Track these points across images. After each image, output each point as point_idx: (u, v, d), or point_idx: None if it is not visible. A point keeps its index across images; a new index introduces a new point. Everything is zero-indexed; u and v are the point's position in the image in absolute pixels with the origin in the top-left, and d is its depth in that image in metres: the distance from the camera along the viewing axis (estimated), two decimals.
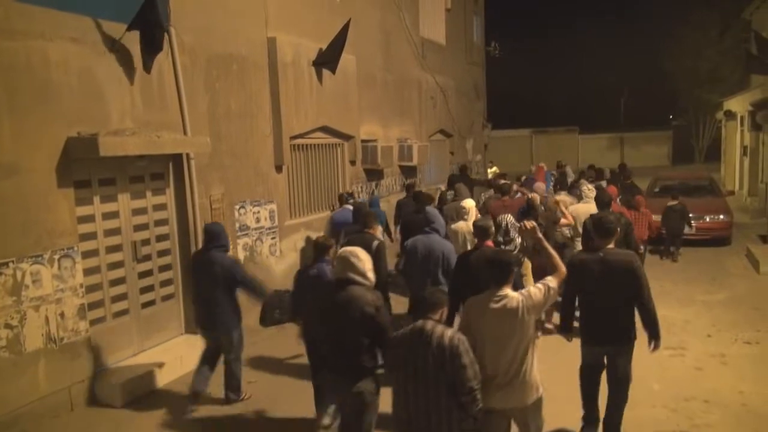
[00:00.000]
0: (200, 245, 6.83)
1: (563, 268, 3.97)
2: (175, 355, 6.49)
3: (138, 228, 6.50)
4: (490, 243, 5.11)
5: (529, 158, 23.67)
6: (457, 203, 7.55)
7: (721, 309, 7.99)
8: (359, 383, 3.75)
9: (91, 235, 5.95)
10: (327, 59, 9.11)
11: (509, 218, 6.12)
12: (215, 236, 5.52)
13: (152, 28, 5.96)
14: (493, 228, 5.31)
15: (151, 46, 6.06)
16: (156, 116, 6.47)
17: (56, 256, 5.44)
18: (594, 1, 46.98)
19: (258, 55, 8.06)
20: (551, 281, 3.79)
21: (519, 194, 9.41)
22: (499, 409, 3.70)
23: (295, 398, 5.58)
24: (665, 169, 22.11)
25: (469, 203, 6.93)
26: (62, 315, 5.50)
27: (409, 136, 12.62)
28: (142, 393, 5.90)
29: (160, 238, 6.81)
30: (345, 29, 8.90)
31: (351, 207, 7.93)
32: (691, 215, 11.80)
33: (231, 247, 7.58)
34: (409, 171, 12.79)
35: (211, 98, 7.25)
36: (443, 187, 11.86)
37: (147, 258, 6.62)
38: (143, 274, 6.58)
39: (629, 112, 35.34)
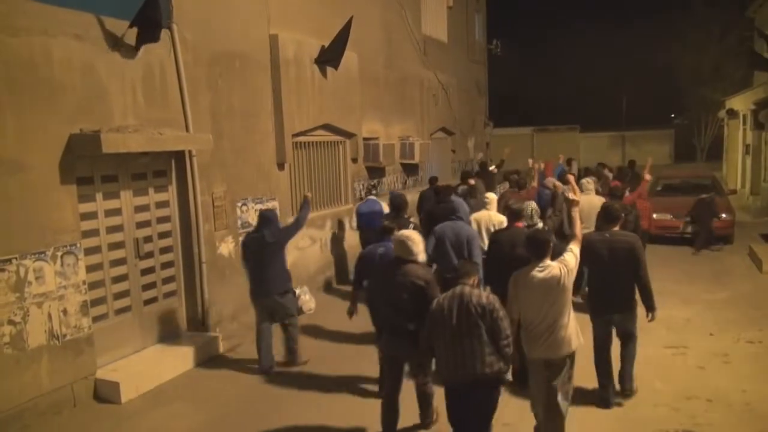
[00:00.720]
0: (203, 243, 6.97)
1: (581, 235, 4.67)
2: (177, 353, 6.50)
3: (140, 225, 6.50)
4: (520, 224, 5.97)
5: (530, 156, 23.69)
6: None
7: (723, 308, 7.98)
8: (413, 343, 4.44)
9: (94, 232, 5.95)
10: (329, 57, 9.10)
11: (533, 205, 6.62)
12: (268, 221, 6.30)
13: (152, 26, 5.94)
14: (526, 212, 6.24)
15: (149, 42, 6.04)
16: (158, 113, 6.47)
17: (59, 253, 5.44)
18: None
19: (260, 52, 8.05)
20: (574, 247, 4.53)
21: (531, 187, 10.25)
22: (543, 359, 4.39)
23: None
24: (667, 168, 22.05)
25: (491, 195, 7.71)
26: (65, 312, 5.51)
27: (411, 134, 12.60)
28: (145, 390, 5.91)
29: (163, 235, 6.81)
30: (347, 27, 8.89)
31: (375, 198, 9.06)
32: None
33: (233, 245, 7.60)
34: (410, 169, 12.78)
35: (213, 95, 7.24)
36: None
37: (149, 255, 6.62)
38: (145, 272, 6.58)
39: (631, 111, 35.30)
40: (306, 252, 9.12)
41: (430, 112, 13.82)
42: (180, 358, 6.43)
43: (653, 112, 35.16)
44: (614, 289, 5.20)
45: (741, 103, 18.47)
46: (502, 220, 7.00)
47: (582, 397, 5.25)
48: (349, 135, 10.25)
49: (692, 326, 7.32)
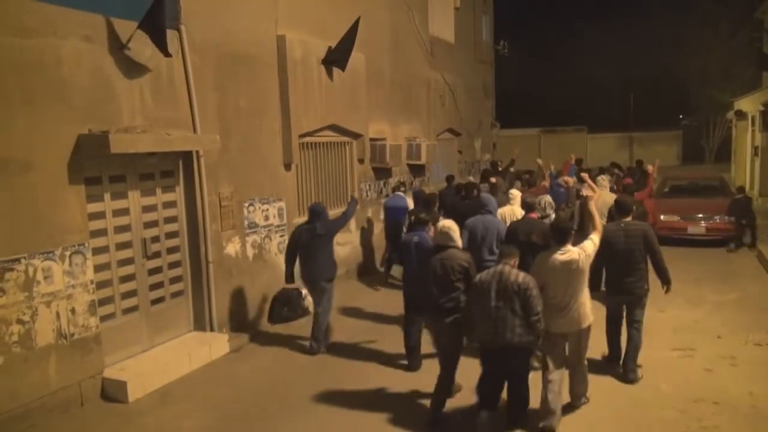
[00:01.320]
0: (209, 243, 7.01)
1: (600, 227, 5.27)
2: (184, 352, 6.53)
3: (148, 225, 6.54)
4: (534, 215, 6.82)
5: (538, 157, 23.68)
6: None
7: (731, 310, 7.94)
8: (454, 317, 5.08)
9: (102, 232, 5.99)
10: (336, 57, 9.12)
11: (548, 198, 7.40)
12: (317, 214, 6.99)
13: (159, 29, 5.95)
14: (540, 204, 7.10)
15: (158, 46, 6.06)
16: (166, 114, 6.50)
17: (67, 253, 5.48)
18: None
19: (267, 53, 8.08)
20: (595, 237, 5.14)
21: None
22: (560, 333, 5.03)
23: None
24: (675, 169, 21.96)
25: (515, 192, 8.34)
26: (73, 311, 5.54)
27: (418, 135, 12.61)
28: (152, 389, 5.94)
29: (170, 235, 6.85)
30: (355, 27, 8.90)
31: (402, 194, 9.86)
32: (701, 215, 11.80)
33: (239, 245, 7.62)
34: (417, 169, 12.79)
35: (220, 96, 7.27)
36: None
37: (156, 255, 6.65)
38: (153, 271, 6.62)
39: (639, 112, 35.13)
40: None
41: (436, 113, 13.82)
42: (187, 358, 6.46)
43: (661, 113, 34.95)
44: (629, 273, 5.84)
45: (750, 104, 18.35)
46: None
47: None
48: (356, 135, 10.26)
49: (700, 328, 7.28)
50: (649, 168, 9.93)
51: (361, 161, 10.50)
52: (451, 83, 14.46)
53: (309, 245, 6.84)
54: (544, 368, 5.08)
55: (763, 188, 16.55)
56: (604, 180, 9.44)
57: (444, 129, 14.47)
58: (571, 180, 10.48)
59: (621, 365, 5.98)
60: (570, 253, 4.96)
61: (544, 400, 4.95)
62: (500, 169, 12.46)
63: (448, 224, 5.38)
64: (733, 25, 26.14)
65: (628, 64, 34.63)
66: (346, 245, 10.04)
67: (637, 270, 5.83)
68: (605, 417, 5.20)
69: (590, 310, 5.06)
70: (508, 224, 7.01)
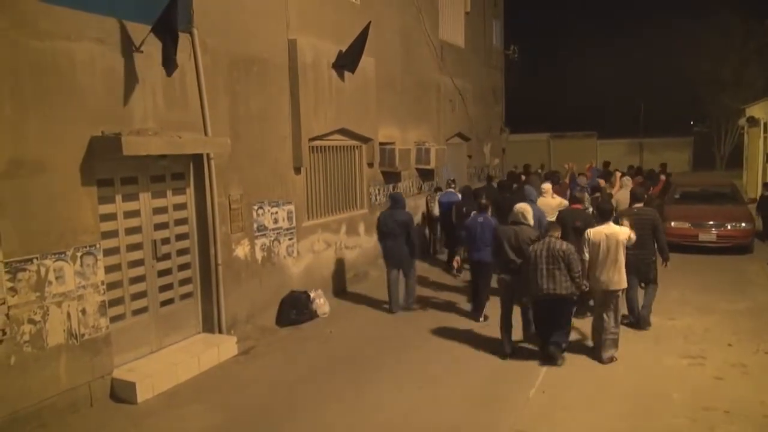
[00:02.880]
0: (219, 245, 7.05)
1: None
2: (193, 354, 6.55)
3: (158, 227, 6.57)
4: (578, 206, 8.50)
5: (547, 162, 23.60)
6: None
7: (742, 318, 7.86)
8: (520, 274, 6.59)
9: (113, 233, 6.04)
10: (347, 61, 9.15)
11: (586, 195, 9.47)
12: (397, 201, 8.56)
13: (171, 34, 5.99)
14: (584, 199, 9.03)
15: (170, 50, 6.09)
16: (177, 117, 6.55)
17: (79, 253, 5.52)
18: (614, 5, 46.59)
19: (278, 56, 8.12)
20: (632, 233, 6.58)
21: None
22: (603, 289, 6.52)
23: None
24: (686, 176, 21.82)
25: (547, 186, 9.91)
26: (84, 311, 5.58)
27: (427, 139, 12.61)
28: (161, 390, 5.96)
29: (180, 237, 6.88)
30: (365, 31, 8.93)
31: (453, 191, 11.27)
32: (712, 222, 11.70)
33: (249, 248, 7.66)
34: (426, 174, 12.78)
35: (231, 99, 7.31)
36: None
37: (166, 257, 6.69)
38: (162, 273, 6.65)
39: (650, 118, 34.95)
40: (321, 255, 9.16)
41: (446, 118, 13.82)
42: (196, 360, 6.48)
43: (673, 119, 34.75)
44: (641, 248, 7.10)
45: (762, 110, 18.22)
46: (558, 203, 9.35)
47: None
48: (366, 140, 10.28)
49: (710, 336, 7.21)
50: (662, 178, 11.59)
51: (370, 165, 10.51)
52: (460, 88, 14.46)
53: (390, 227, 8.36)
54: (596, 318, 6.70)
55: None
56: (628, 180, 11.22)
57: (453, 133, 14.47)
58: (602, 181, 12.61)
59: (639, 315, 7.51)
60: (612, 227, 6.60)
61: (598, 340, 6.62)
62: (560, 181, 13.13)
63: (523, 207, 7.00)
64: (745, 32, 25.98)
65: (639, 70, 34.49)
66: (354, 249, 10.05)
67: (647, 243, 7.29)
68: (615, 424, 5.17)
69: (624, 277, 6.52)
70: (528, 216, 7.70)
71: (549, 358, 6.46)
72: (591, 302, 7.20)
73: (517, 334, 7.03)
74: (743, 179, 21.27)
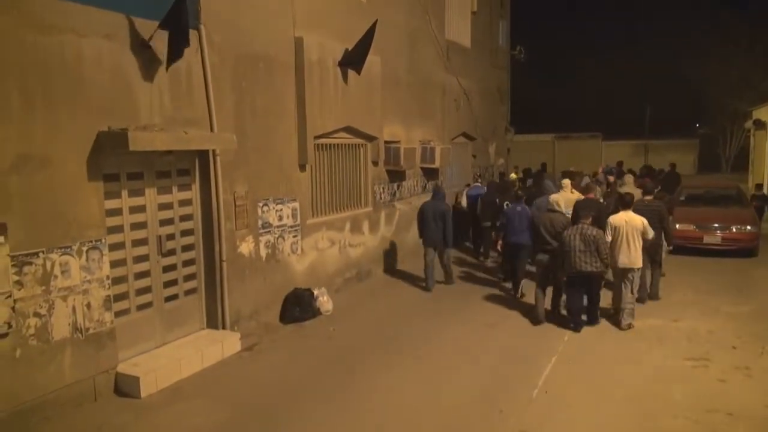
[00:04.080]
0: (224, 241, 7.11)
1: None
2: (196, 349, 6.57)
3: (163, 222, 6.60)
4: (591, 195, 9.71)
5: (552, 163, 23.60)
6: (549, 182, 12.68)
7: (746, 321, 7.84)
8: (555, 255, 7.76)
9: (119, 228, 6.06)
10: (353, 60, 9.15)
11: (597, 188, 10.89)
12: (437, 192, 10.04)
13: (179, 32, 6.01)
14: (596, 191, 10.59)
15: (176, 48, 6.11)
16: (184, 113, 6.57)
17: (85, 248, 5.55)
18: (621, 6, 46.43)
19: (285, 54, 8.13)
20: (649, 229, 7.74)
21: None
22: (622, 267, 7.67)
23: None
24: (691, 178, 21.75)
25: (566, 181, 10.66)
26: (89, 306, 5.61)
27: (432, 138, 12.61)
28: (164, 385, 5.99)
29: (185, 233, 6.90)
30: (372, 30, 8.93)
31: (479, 184, 12.55)
32: (717, 225, 11.67)
33: (253, 244, 7.67)
34: (430, 173, 12.79)
35: (237, 96, 7.33)
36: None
37: (171, 252, 6.71)
38: (167, 269, 6.67)
39: (656, 120, 34.82)
40: (325, 253, 9.17)
41: (451, 117, 13.81)
42: (199, 355, 6.51)
43: (678, 121, 34.65)
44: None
45: None
46: (576, 197, 9.92)
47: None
48: (371, 138, 10.28)
49: (714, 338, 7.20)
50: None
51: (375, 163, 10.52)
52: (466, 87, 14.45)
53: (431, 214, 9.55)
54: (616, 291, 7.90)
55: None
56: (629, 179, 12.02)
57: (458, 133, 14.46)
58: (611, 177, 13.84)
59: (648, 291, 8.67)
60: (631, 215, 7.77)
61: (618, 308, 7.78)
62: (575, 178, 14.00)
63: (556, 198, 8.39)
64: (753, 35, 25.87)
65: (645, 72, 34.35)
66: (358, 247, 10.06)
67: (654, 230, 8.05)
68: (617, 424, 5.17)
69: (640, 258, 7.66)
70: (562, 204, 8.68)
71: (581, 327, 7.63)
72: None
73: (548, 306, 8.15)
74: (749, 182, 21.17)
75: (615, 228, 7.70)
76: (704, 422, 5.15)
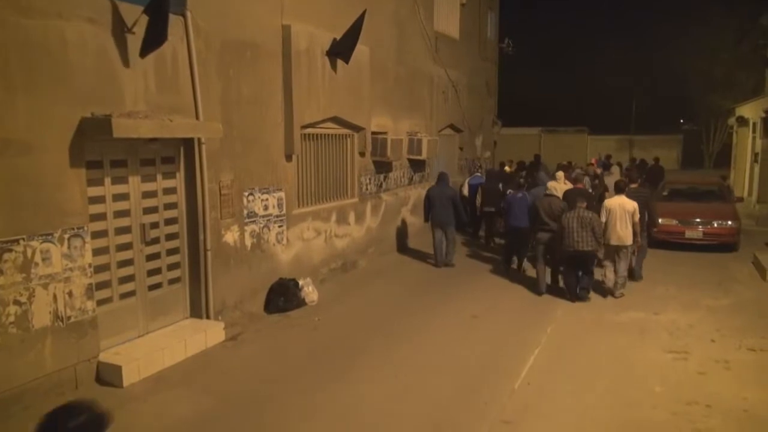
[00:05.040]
0: (208, 230, 7.06)
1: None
2: (180, 338, 6.54)
3: (147, 211, 6.53)
4: (581, 185, 10.70)
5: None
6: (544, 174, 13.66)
7: (726, 315, 7.97)
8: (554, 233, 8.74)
9: (101, 216, 5.99)
10: (341, 49, 9.09)
11: (586, 179, 12.25)
12: (443, 177, 10.84)
13: (161, 17, 5.90)
14: (584, 180, 11.75)
15: (157, 34, 5.99)
16: (169, 100, 6.49)
17: (66, 235, 5.48)
18: (608, 2, 46.62)
19: (272, 42, 8.06)
20: (637, 210, 8.71)
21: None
22: (616, 245, 8.65)
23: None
24: (675, 173, 22.02)
25: (560, 173, 11.50)
26: (70, 294, 5.55)
27: (419, 130, 12.60)
28: (147, 374, 5.95)
29: (169, 221, 6.84)
30: (360, 20, 8.87)
31: (479, 174, 13.82)
32: (698, 220, 11.82)
33: (238, 234, 7.63)
34: (417, 164, 12.79)
35: (224, 84, 7.25)
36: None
37: (155, 241, 6.65)
38: (151, 257, 6.62)
39: (641, 115, 35.11)
40: (310, 244, 9.15)
41: (439, 109, 13.81)
42: (183, 345, 6.47)
43: (663, 116, 34.96)
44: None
45: (751, 110, 18.37)
46: (565, 188, 10.49)
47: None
48: (358, 129, 10.25)
49: (694, 332, 7.31)
50: None
51: (362, 154, 10.49)
52: (454, 80, 14.44)
53: (438, 198, 10.48)
54: (608, 266, 8.80)
55: (762, 195, 16.60)
56: (616, 169, 14.14)
57: (446, 125, 14.46)
58: (598, 169, 15.60)
59: (633, 271, 9.35)
60: (623, 198, 8.73)
61: (610, 281, 8.79)
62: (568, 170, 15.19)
63: (553, 185, 10.08)
64: (739, 31, 26.09)
65: (631, 67, 34.53)
66: (343, 237, 10.05)
67: (640, 215, 8.82)
68: (596, 414, 5.24)
69: (631, 236, 8.61)
70: (559, 191, 10.01)
71: (579, 299, 8.57)
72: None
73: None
74: (731, 178, 21.46)
75: (609, 210, 8.65)
76: (683, 413, 5.24)
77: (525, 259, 10.22)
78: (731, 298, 8.76)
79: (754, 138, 17.84)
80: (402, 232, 12.22)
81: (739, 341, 6.94)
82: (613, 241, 8.58)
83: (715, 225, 11.78)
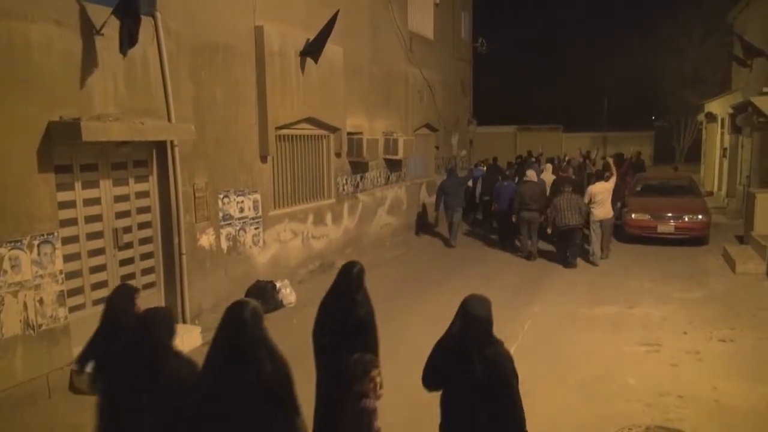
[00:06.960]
0: (183, 234, 7.01)
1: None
2: None
3: (120, 215, 6.44)
4: (566, 174, 12.68)
5: (513, 154, 24.07)
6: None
7: (697, 307, 8.14)
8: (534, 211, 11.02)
9: (72, 221, 5.89)
10: (312, 49, 9.06)
11: (570, 171, 13.78)
12: (453, 172, 13.11)
13: (132, 18, 5.82)
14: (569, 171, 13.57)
15: (129, 36, 5.91)
16: (140, 102, 6.40)
17: (36, 242, 5.38)
18: (580, 2, 47.31)
19: (244, 43, 8.00)
20: (612, 181, 11.13)
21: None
22: (600, 220, 10.73)
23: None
24: (648, 169, 22.41)
25: (548, 165, 14.18)
26: (41, 301, 5.44)
27: (395, 130, 12.62)
28: None
29: (142, 225, 6.76)
30: (333, 20, 8.86)
31: (481, 168, 16.09)
32: (670, 214, 12.05)
33: (214, 237, 7.56)
34: (394, 164, 12.81)
35: (196, 86, 7.18)
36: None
37: (128, 246, 6.56)
38: (124, 262, 6.53)
39: (613, 112, 35.64)
40: (287, 245, 9.11)
41: (414, 109, 13.85)
42: None
43: (635, 113, 35.53)
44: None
45: (719, 107, 18.78)
46: (552, 177, 12.74)
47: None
48: (333, 129, 10.23)
49: (667, 324, 7.45)
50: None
51: (338, 155, 10.48)
52: (429, 79, 14.49)
53: (449, 189, 12.33)
54: (594, 237, 10.72)
55: (730, 189, 16.97)
56: (549, 166, 14.90)
57: (421, 124, 14.51)
58: (581, 159, 17.17)
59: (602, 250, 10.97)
60: (604, 184, 10.87)
61: (592, 252, 10.78)
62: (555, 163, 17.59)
63: (531, 173, 11.45)
64: (706, 28, 26.63)
65: (603, 65, 35.03)
66: (321, 238, 10.03)
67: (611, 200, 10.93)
68: (571, 408, 5.31)
69: (611, 211, 10.95)
70: (545, 179, 12.37)
71: (569, 265, 10.46)
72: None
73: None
74: (701, 173, 21.91)
75: (594, 194, 10.69)
76: (656, 405, 5.34)
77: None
78: (703, 290, 8.95)
79: (722, 133, 18.23)
80: (380, 232, 12.24)
81: (710, 333, 7.10)
82: (598, 217, 10.73)
83: (686, 219, 12.02)
